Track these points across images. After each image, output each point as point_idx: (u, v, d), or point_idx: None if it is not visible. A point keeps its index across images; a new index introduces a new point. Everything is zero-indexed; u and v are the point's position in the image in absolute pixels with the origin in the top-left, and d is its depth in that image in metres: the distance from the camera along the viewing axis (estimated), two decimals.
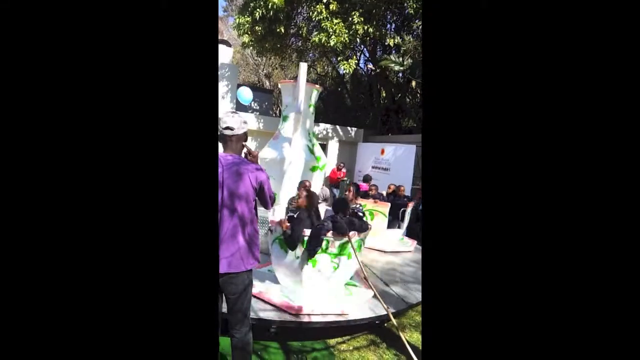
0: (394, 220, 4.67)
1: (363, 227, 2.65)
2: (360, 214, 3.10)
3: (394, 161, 6.96)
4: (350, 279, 2.96)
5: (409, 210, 4.69)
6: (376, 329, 2.71)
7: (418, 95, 9.57)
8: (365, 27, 6.25)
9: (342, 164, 7.35)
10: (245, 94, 3.69)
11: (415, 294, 3.04)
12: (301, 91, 3.29)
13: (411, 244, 4.67)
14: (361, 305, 2.66)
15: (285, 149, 3.91)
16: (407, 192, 5.73)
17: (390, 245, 4.42)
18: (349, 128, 8.97)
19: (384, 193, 5.07)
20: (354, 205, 3.31)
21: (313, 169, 3.98)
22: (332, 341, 2.52)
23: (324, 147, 8.26)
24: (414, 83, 8.48)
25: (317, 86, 4.23)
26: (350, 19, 6.18)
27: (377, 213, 4.46)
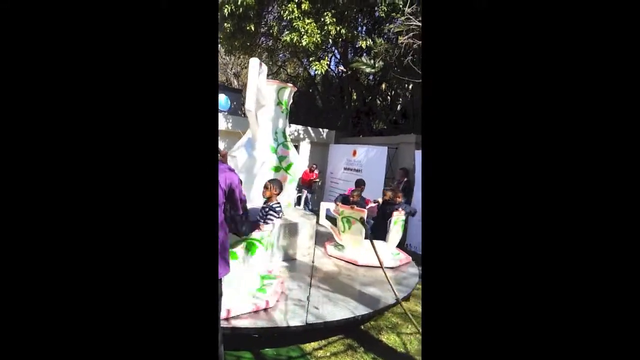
0: (380, 230, 4.07)
1: (239, 228, 2.38)
2: (272, 214, 2.88)
3: (366, 162, 7.00)
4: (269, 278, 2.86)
5: (394, 219, 3.96)
6: (353, 333, 2.65)
7: (388, 97, 9.75)
8: (338, 28, 6.24)
9: (314, 165, 7.32)
10: (221, 100, 3.57)
11: (393, 295, 3.02)
12: (251, 89, 3.06)
13: (404, 259, 4.05)
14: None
15: (246, 149, 3.79)
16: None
17: (366, 258, 3.76)
18: (320, 129, 8.94)
19: (380, 200, 4.45)
20: (271, 204, 3.00)
21: (275, 169, 3.87)
22: (308, 347, 2.44)
23: (295, 149, 8.16)
24: (384, 85, 8.62)
25: (290, 85, 4.13)
26: (322, 19, 6.15)
27: (353, 220, 3.91)
